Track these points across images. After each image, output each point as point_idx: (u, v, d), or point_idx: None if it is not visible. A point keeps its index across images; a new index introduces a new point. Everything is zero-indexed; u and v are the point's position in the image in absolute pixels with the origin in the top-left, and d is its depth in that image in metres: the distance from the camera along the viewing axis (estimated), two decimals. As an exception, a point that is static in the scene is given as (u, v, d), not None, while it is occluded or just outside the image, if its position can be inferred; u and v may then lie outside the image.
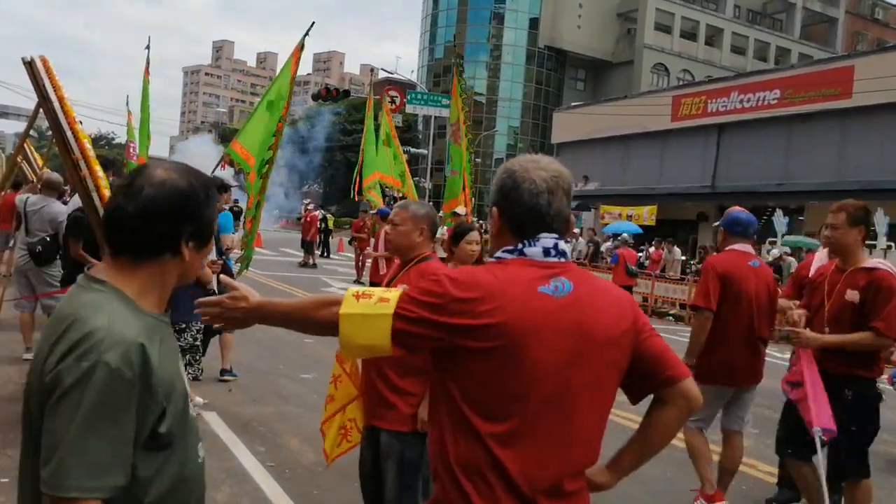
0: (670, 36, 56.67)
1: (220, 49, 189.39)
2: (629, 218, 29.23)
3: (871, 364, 4.21)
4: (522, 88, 63.41)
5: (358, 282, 19.42)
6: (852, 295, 4.13)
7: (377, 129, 16.52)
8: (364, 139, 17.20)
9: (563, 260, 1.99)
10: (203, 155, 26.69)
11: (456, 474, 1.87)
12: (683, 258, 23.56)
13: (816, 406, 3.95)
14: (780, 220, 21.19)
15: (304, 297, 2.25)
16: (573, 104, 46.94)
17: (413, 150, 51.92)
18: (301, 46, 8.91)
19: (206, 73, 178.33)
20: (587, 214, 36.53)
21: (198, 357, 5.96)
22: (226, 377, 7.50)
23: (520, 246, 1.97)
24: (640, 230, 25.90)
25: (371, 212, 12.73)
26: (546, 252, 1.97)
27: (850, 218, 4.18)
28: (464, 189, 12.62)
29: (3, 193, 7.62)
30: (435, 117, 40.26)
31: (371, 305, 1.90)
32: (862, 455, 4.27)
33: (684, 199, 31.55)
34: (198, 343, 5.89)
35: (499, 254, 2.00)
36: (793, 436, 4.38)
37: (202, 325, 5.87)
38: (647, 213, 29.12)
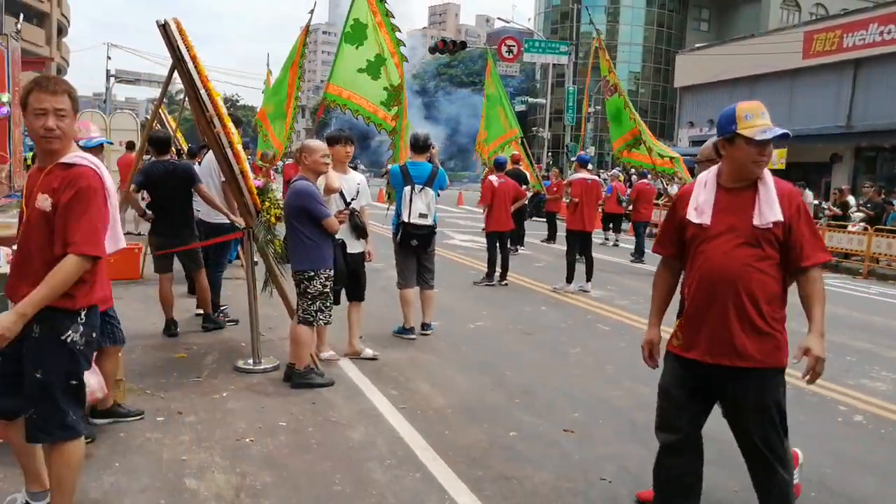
0: (801, -33, 53.50)
1: (338, 7, 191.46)
2: (757, 162, 28.18)
3: None
4: (643, 32, 61.46)
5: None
6: (42, 201, 3.22)
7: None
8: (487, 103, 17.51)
9: None
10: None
11: None
12: (816, 202, 22.68)
13: None
14: (922, 159, 20.07)
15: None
16: (697, 46, 45.21)
17: (531, 99, 51.54)
18: None
19: (324, 32, 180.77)
20: (713, 160, 35.45)
21: (328, 304, 6.04)
22: (427, 331, 7.95)
23: None
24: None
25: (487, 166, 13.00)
26: None
27: (75, 104, 3.31)
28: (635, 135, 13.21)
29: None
30: (553, 65, 39.59)
31: None
32: None
33: (816, 140, 30.10)
34: (326, 290, 5.99)
35: None
36: None
37: (331, 273, 6.02)
38: (776, 157, 28.01)
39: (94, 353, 4.09)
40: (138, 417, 5.01)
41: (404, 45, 9.48)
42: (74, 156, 3.31)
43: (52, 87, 3.25)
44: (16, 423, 3.39)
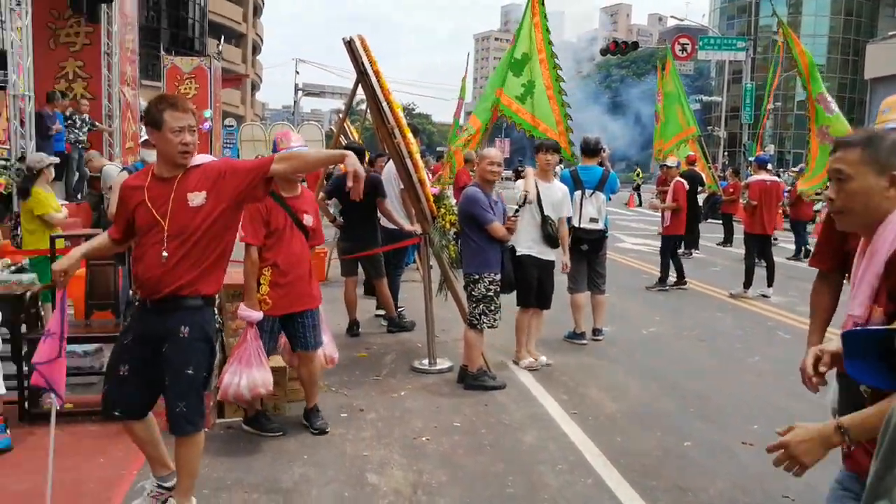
0: None
1: (509, 13, 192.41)
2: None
3: None
4: (829, 22, 57.99)
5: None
6: (196, 198, 3.44)
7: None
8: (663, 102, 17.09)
9: None
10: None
11: None
12: None
13: None
14: None
15: None
16: (891, 34, 42.15)
17: (705, 97, 49.79)
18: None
19: (496, 39, 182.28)
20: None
21: (492, 307, 6.07)
22: (598, 336, 7.94)
23: None
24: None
25: (670, 165, 12.61)
26: None
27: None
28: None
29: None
30: (730, 61, 38.07)
31: None
32: None
33: None
34: (490, 294, 6.03)
35: None
36: None
37: (496, 277, 6.07)
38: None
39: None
40: (278, 434, 4.97)
41: (553, 45, 9.53)
42: (195, 158, 3.52)
43: (185, 105, 3.48)
44: (142, 420, 3.63)
